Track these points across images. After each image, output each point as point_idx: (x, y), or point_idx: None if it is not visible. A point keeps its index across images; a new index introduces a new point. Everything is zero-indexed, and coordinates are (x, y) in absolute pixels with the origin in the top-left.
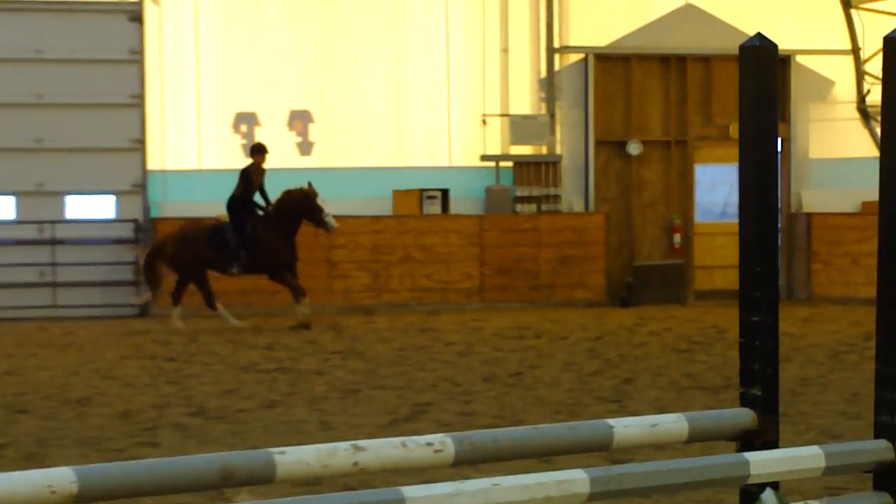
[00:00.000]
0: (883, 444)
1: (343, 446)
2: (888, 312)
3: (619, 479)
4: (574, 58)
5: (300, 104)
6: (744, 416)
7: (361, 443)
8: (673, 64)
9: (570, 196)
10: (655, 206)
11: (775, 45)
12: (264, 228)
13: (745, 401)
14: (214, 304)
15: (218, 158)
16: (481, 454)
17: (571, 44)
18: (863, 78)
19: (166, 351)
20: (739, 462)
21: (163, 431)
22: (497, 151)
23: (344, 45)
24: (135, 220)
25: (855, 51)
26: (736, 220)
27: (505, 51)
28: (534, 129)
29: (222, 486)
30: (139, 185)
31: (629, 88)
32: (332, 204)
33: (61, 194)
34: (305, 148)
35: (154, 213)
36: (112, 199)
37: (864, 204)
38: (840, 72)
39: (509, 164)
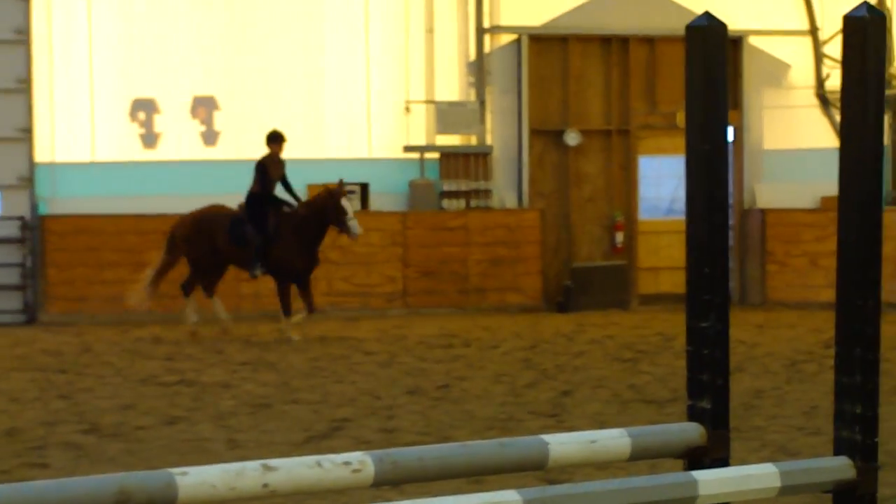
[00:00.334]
0: (843, 461)
1: (252, 466)
2: (848, 318)
3: (555, 500)
4: (506, 39)
5: (204, 90)
6: (692, 432)
7: (272, 462)
8: (614, 45)
9: (502, 191)
10: (596, 201)
11: (724, 26)
12: (286, 229)
13: (693, 415)
14: (189, 292)
15: (113, 149)
16: (404, 474)
17: (503, 23)
18: (822, 61)
19: (57, 362)
20: (687, 482)
21: (52, 451)
22: (422, 142)
23: (253, 25)
24: (21, 218)
25: (813, 31)
26: (683, 218)
27: (430, 31)
28: (462, 117)
29: None
30: (26, 179)
31: (566, 73)
32: (237, 198)
33: None
34: (210, 138)
35: (42, 210)
36: None
37: (824, 199)
38: (797, 54)
39: (435, 155)
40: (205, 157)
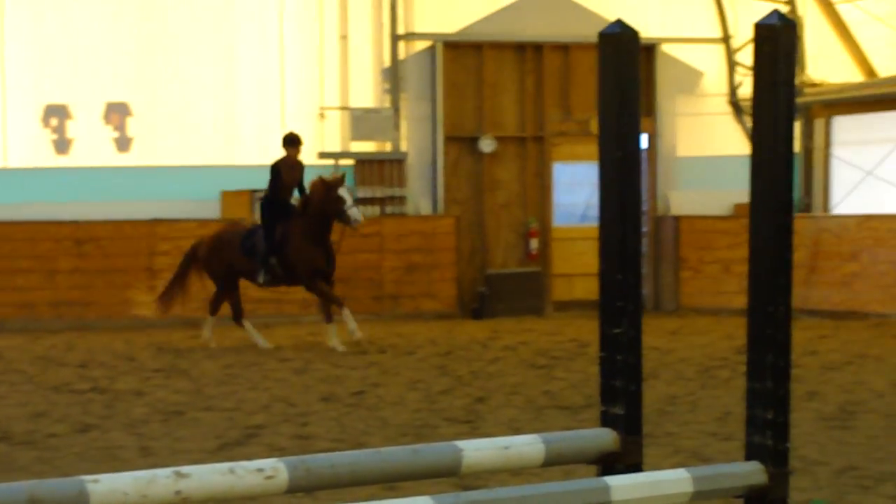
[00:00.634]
0: (755, 466)
1: (164, 473)
2: (759, 324)
3: None
4: (420, 45)
5: (117, 96)
6: (605, 437)
7: (185, 469)
8: (529, 53)
9: (417, 197)
10: (510, 208)
11: (637, 33)
12: (293, 232)
13: (606, 420)
14: (241, 319)
15: (25, 155)
16: (317, 481)
17: (417, 30)
18: (734, 69)
19: None
20: (599, 487)
21: None
22: (336, 148)
23: (166, 30)
24: None
25: (726, 39)
26: (597, 224)
27: (344, 38)
28: (376, 123)
29: None
30: None
31: (481, 79)
32: (151, 205)
33: None
34: (123, 144)
35: None
36: None
37: (737, 206)
38: (710, 62)
39: (350, 162)
40: (118, 164)
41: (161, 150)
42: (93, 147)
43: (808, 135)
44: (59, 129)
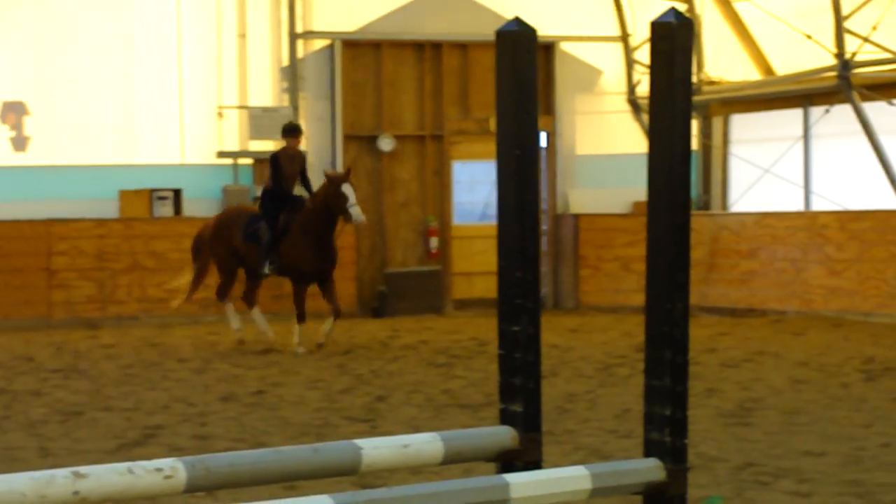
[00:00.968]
0: (653, 462)
1: (62, 473)
2: (658, 322)
3: None
4: (319, 44)
5: (13, 95)
6: (504, 435)
7: (83, 469)
8: (428, 51)
9: None
10: (409, 206)
11: (534, 31)
12: (296, 226)
13: (505, 418)
14: (225, 299)
15: None
16: (217, 480)
17: (316, 29)
18: (633, 67)
19: None
20: (498, 484)
21: None
22: (235, 147)
23: (63, 29)
24: None
25: (624, 37)
26: (496, 223)
27: (243, 36)
28: (275, 122)
29: None
30: None
31: (380, 78)
32: (49, 205)
33: None
34: (20, 143)
35: None
36: None
37: (636, 204)
38: (609, 60)
39: (249, 161)
40: (14, 163)
41: (58, 150)
42: None
43: (706, 133)
44: None
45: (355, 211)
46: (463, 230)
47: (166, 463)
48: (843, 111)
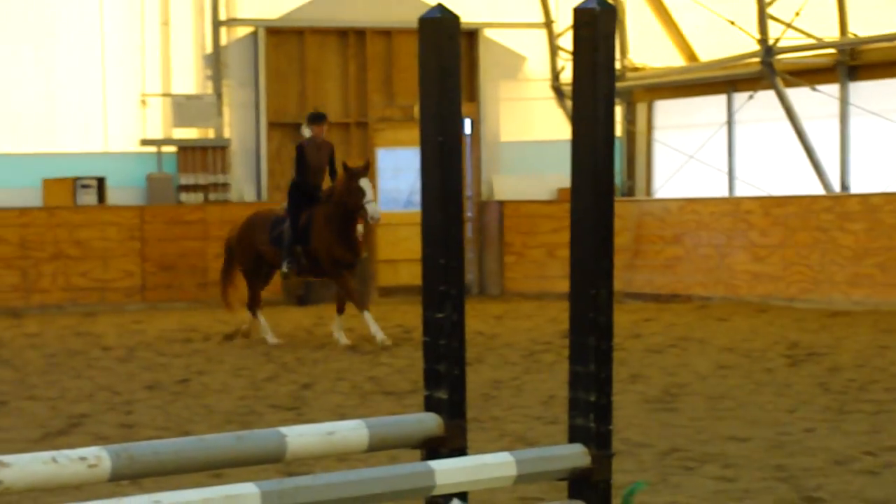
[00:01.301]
0: (578, 448)
1: None
2: (582, 308)
3: (293, 492)
4: (243, 31)
5: None
6: (429, 422)
7: (5, 458)
8: (351, 38)
9: (241, 184)
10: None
11: (457, 17)
12: (318, 219)
13: (430, 405)
14: (256, 311)
15: None
16: (141, 468)
17: (239, 16)
18: (556, 53)
19: None
20: (423, 471)
21: None
22: (159, 135)
23: None
24: None
25: (548, 24)
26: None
27: (166, 24)
28: (199, 110)
29: None
30: None
31: (304, 65)
32: None
33: None
34: None
35: None
36: None
37: (560, 191)
38: (533, 47)
39: (173, 149)
40: None
41: None
42: None
43: (630, 119)
44: None
45: (371, 207)
46: (388, 217)
47: (90, 452)
48: (767, 97)
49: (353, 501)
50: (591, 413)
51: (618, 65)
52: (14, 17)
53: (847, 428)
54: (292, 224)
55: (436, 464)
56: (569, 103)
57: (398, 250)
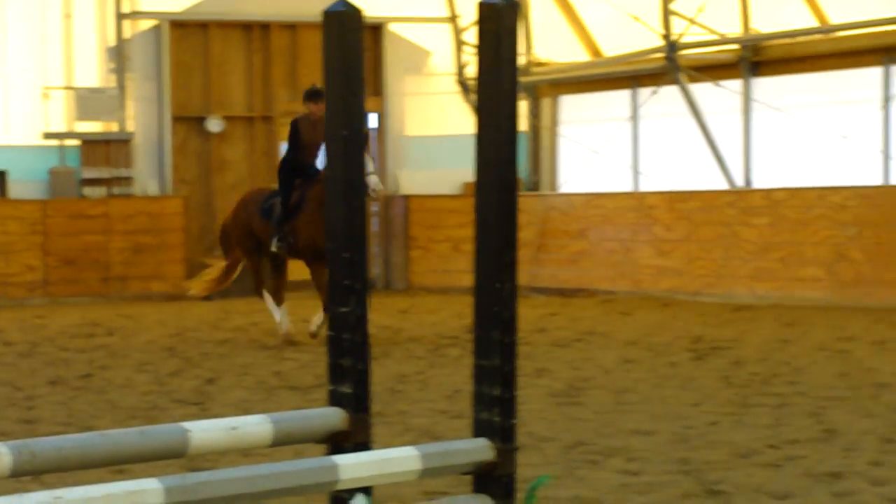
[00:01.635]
0: (482, 442)
1: None
2: (486, 302)
3: (197, 487)
4: (146, 24)
5: None
6: (333, 416)
7: None
8: (256, 32)
9: (145, 178)
10: (239, 188)
11: (360, 11)
12: (310, 199)
13: (334, 400)
14: (263, 293)
15: None
16: (43, 464)
17: (143, 9)
18: (461, 48)
19: None
20: (328, 466)
21: None
22: (62, 128)
23: None
24: None
25: (453, 18)
26: None
27: (68, 16)
28: (102, 103)
29: None
30: None
31: (208, 59)
32: None
33: None
34: None
35: None
36: None
37: (466, 185)
38: (438, 41)
39: (76, 142)
40: None
41: None
42: None
43: (535, 114)
44: None
45: (372, 179)
46: None
47: None
48: (671, 92)
49: (256, 496)
50: (495, 407)
51: (523, 60)
52: None
53: (750, 421)
54: (283, 201)
55: (340, 458)
56: (474, 98)
57: None
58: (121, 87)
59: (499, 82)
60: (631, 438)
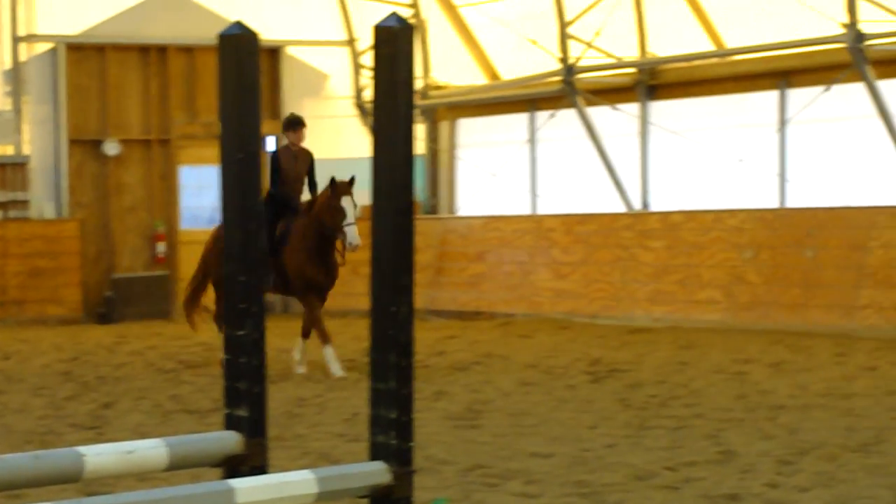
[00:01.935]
0: (379, 466)
1: None
2: (382, 325)
3: None
4: (42, 47)
5: None
6: (229, 440)
7: None
8: (153, 55)
9: (41, 201)
10: (136, 211)
11: (256, 34)
12: (295, 233)
13: (230, 423)
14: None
15: None
16: None
17: (39, 32)
18: (359, 71)
19: None
20: (223, 490)
21: None
22: None
23: None
24: None
25: (351, 42)
26: None
27: None
28: None
29: None
30: None
31: (105, 82)
32: None
33: None
34: None
35: None
36: None
37: (364, 208)
38: (336, 65)
39: None
40: None
41: None
42: None
43: (433, 137)
44: None
45: (351, 231)
46: (191, 235)
47: None
48: (568, 115)
49: None
50: (392, 430)
51: (421, 83)
52: None
53: (648, 443)
54: (268, 235)
55: (236, 482)
56: (372, 121)
57: None
58: (17, 110)
59: (395, 105)
60: (529, 461)
